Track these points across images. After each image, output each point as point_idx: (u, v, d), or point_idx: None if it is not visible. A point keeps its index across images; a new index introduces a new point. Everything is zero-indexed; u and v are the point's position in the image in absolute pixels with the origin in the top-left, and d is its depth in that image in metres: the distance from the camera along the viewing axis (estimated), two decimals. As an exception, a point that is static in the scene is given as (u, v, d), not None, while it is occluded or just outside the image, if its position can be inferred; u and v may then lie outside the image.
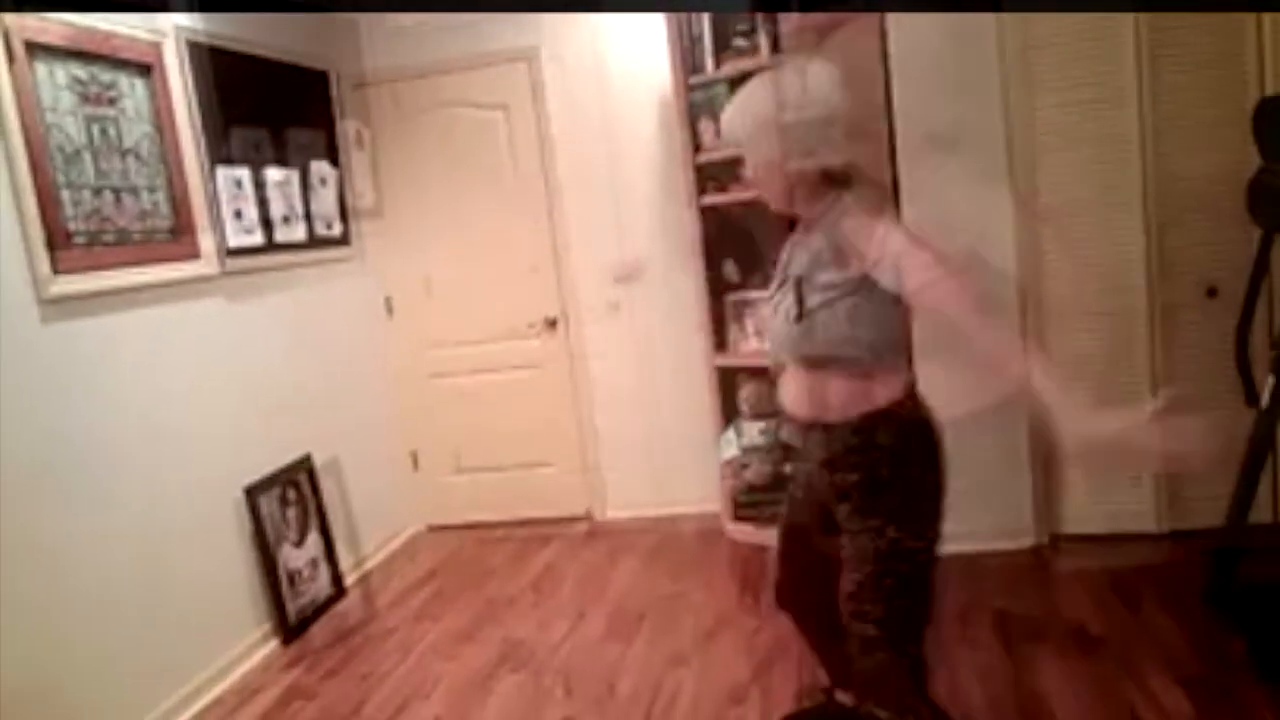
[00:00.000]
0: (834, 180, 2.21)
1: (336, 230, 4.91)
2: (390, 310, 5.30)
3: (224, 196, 4.01)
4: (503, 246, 5.11)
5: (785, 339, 2.23)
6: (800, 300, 2.16)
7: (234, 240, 4.04)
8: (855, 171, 2.23)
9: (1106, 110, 3.71)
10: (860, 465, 2.21)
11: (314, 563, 4.33)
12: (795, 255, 2.28)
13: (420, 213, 5.19)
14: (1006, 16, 3.74)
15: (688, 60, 4.46)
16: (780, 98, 2.15)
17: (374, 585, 4.65)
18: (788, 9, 4.09)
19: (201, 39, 3.91)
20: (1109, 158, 3.75)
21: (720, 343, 4.64)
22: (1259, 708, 2.77)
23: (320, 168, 4.79)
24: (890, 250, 2.04)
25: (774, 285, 2.32)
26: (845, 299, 2.12)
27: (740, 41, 4.31)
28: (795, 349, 2.22)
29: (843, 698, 2.72)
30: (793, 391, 2.31)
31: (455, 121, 5.09)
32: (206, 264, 3.87)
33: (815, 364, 2.22)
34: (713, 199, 4.49)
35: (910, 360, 2.31)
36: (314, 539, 4.37)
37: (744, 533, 4.63)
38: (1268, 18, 3.47)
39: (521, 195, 5.08)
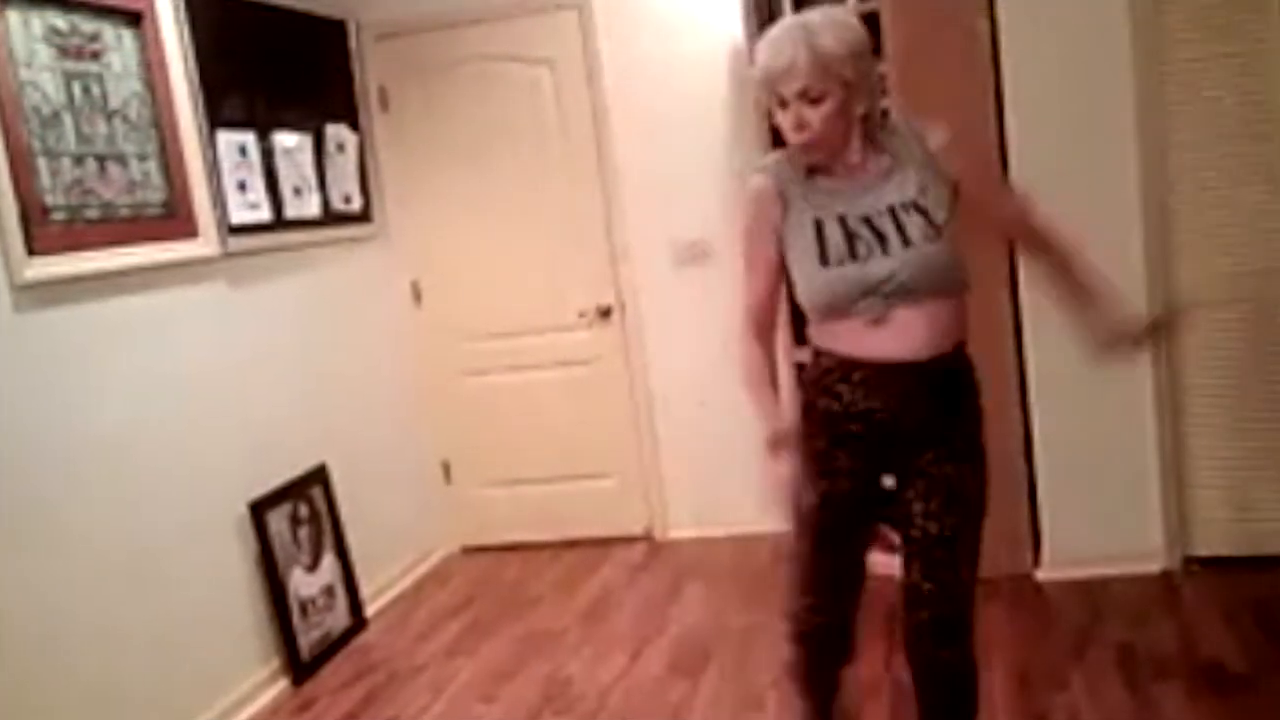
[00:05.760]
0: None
1: (356, 204, 4.66)
2: (418, 296, 5.05)
3: (225, 165, 3.76)
4: (547, 224, 4.84)
5: (920, 263, 2.15)
6: (930, 219, 2.17)
7: (237, 216, 3.79)
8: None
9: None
10: (972, 391, 2.32)
11: (329, 590, 4.11)
12: (863, 192, 2.22)
13: (446, 184, 4.92)
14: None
15: (762, 6, 4.16)
16: (852, 34, 2.15)
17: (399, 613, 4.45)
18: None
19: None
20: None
21: (800, 336, 4.03)
22: None
23: (337, 131, 4.55)
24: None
25: (835, 230, 2.20)
26: (955, 219, 2.21)
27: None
28: (933, 270, 2.17)
29: None
30: (917, 327, 2.18)
31: (490, 79, 4.82)
32: (205, 243, 3.62)
33: (951, 287, 2.22)
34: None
35: None
36: (330, 561, 4.14)
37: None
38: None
39: (570, 163, 4.80)
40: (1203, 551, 3.81)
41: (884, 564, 3.95)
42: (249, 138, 3.97)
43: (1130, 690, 3.02)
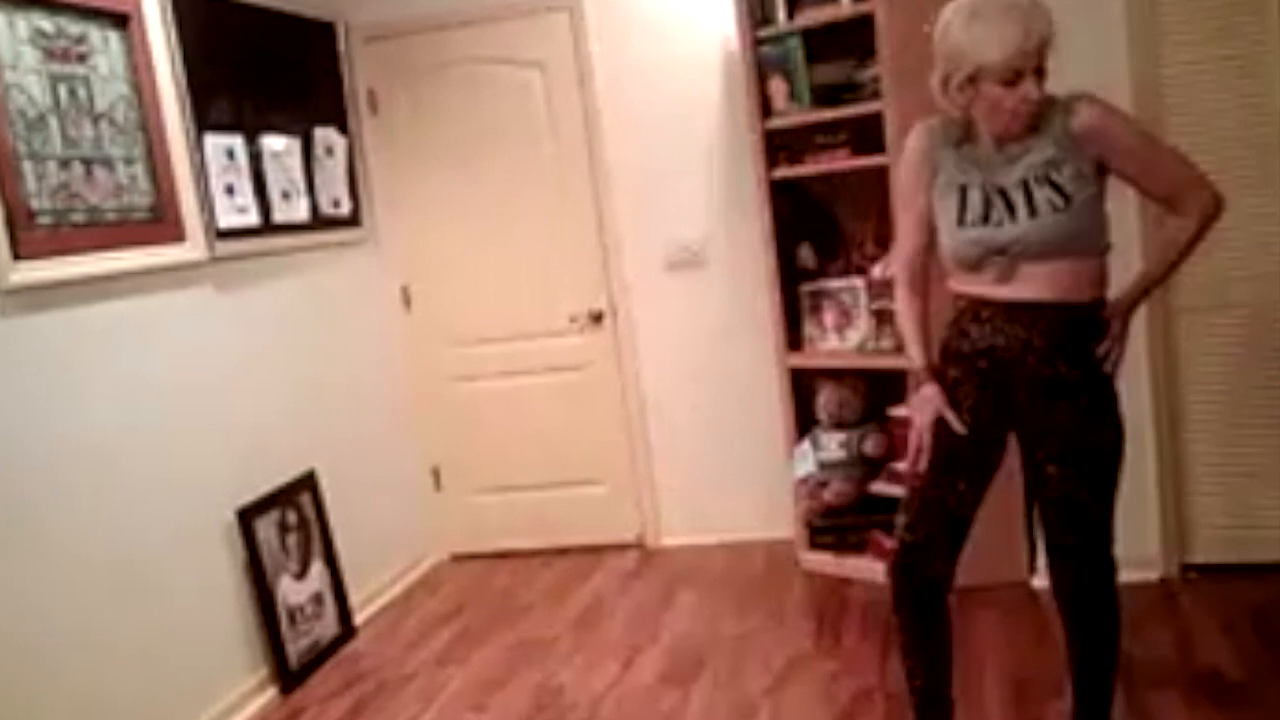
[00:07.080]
0: None
1: (345, 208, 4.61)
2: (408, 301, 5.01)
3: (213, 169, 3.72)
4: (538, 228, 4.78)
5: (1046, 231, 2.31)
6: (1061, 190, 2.31)
7: (225, 220, 3.75)
8: None
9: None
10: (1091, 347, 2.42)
11: (318, 597, 4.07)
12: (1004, 163, 2.37)
13: (437, 188, 4.87)
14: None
15: (755, 10, 4.13)
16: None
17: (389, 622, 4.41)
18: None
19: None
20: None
21: (794, 341, 4.30)
22: None
23: (326, 135, 4.50)
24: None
25: (976, 195, 2.39)
26: (1094, 189, 2.36)
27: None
28: (1059, 237, 2.33)
29: None
30: (1042, 280, 2.35)
31: (480, 81, 4.77)
32: (193, 247, 3.60)
33: (1078, 251, 2.37)
34: (785, 172, 4.16)
35: None
36: (318, 569, 4.10)
37: (821, 562, 4.30)
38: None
39: (561, 166, 4.76)
40: (1200, 559, 3.77)
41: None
42: (237, 141, 3.92)
43: (1127, 698, 2.97)
